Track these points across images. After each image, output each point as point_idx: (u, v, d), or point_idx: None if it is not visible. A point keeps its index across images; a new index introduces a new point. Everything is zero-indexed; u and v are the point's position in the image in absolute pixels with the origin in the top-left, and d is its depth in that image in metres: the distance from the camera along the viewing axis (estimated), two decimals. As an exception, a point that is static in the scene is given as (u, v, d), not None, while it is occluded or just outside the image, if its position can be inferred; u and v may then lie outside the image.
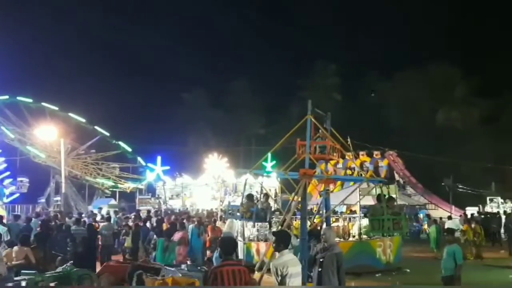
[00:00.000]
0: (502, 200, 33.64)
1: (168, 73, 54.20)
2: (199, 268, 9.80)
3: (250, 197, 13.29)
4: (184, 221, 17.19)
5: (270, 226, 14.87)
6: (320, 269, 7.67)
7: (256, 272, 10.85)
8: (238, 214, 14.23)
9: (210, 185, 24.96)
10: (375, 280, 13.76)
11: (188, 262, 13.91)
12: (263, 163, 25.50)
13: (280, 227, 11.37)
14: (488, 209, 31.88)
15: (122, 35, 55.29)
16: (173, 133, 47.55)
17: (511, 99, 43.59)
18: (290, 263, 5.90)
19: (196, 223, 16.26)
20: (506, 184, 42.34)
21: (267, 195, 13.10)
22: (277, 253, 6.37)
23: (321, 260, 7.70)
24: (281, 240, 6.18)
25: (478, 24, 54.30)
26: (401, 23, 57.20)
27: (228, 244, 6.49)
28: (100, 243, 15.70)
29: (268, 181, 22.62)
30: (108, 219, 18.20)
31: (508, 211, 29.42)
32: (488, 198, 34.67)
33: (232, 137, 49.40)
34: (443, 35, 53.71)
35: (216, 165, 27.55)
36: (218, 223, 17.41)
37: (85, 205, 31.09)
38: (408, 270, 15.25)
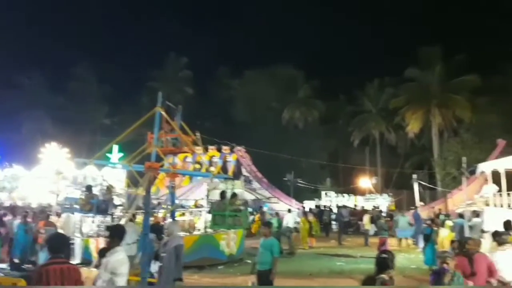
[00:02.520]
0: (335, 195, 37.02)
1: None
2: (24, 267, 8.83)
3: (89, 188, 12.47)
4: (10, 216, 15.42)
5: (112, 221, 14.12)
6: (161, 264, 7.40)
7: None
8: (76, 207, 13.24)
9: (46, 177, 22.80)
10: (217, 273, 13.92)
11: (16, 261, 12.54)
12: (108, 154, 24.21)
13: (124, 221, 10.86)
14: (323, 202, 34.75)
15: None
16: (4, 119, 42.41)
17: (345, 103, 48.39)
18: (124, 261, 5.51)
19: (23, 218, 14.63)
20: (339, 179, 46.96)
21: (108, 187, 12.43)
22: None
23: (162, 254, 7.44)
24: (116, 235, 5.73)
25: (321, 30, 59.37)
26: (243, 23, 59.84)
27: (56, 241, 5.85)
28: None
29: (115, 174, 21.54)
30: None
31: (340, 204, 32.53)
32: (323, 192, 37.85)
33: (75, 126, 45.98)
34: (288, 38, 57.46)
35: (55, 156, 25.26)
36: (54, 219, 15.92)
37: None
38: (250, 261, 15.74)
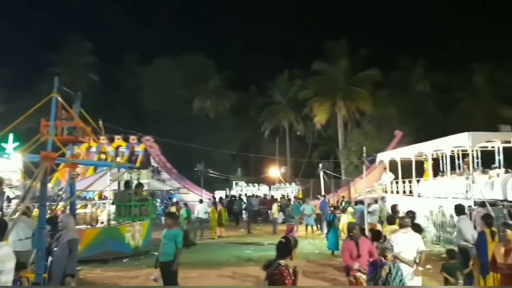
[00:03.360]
0: (245, 184, 37.43)
1: None
2: None
3: (-24, 181, 11.39)
4: None
5: (3, 215, 13.06)
6: (52, 259, 6.89)
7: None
8: (-39, 202, 12.05)
9: None
10: (122, 266, 13.43)
11: None
12: (3, 144, 22.39)
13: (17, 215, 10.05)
14: (233, 192, 34.99)
15: None
16: None
17: (256, 94, 49.04)
18: (7, 257, 4.98)
19: None
20: (250, 169, 47.58)
21: (-1, 179, 11.45)
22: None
23: (55, 249, 6.94)
24: None
25: (232, 22, 59.49)
26: (154, 10, 58.33)
27: None
28: None
29: (10, 165, 19.93)
30: None
31: (250, 194, 32.95)
32: (234, 182, 38.11)
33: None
34: (199, 28, 56.92)
35: None
36: None
37: None
38: (156, 253, 15.37)
